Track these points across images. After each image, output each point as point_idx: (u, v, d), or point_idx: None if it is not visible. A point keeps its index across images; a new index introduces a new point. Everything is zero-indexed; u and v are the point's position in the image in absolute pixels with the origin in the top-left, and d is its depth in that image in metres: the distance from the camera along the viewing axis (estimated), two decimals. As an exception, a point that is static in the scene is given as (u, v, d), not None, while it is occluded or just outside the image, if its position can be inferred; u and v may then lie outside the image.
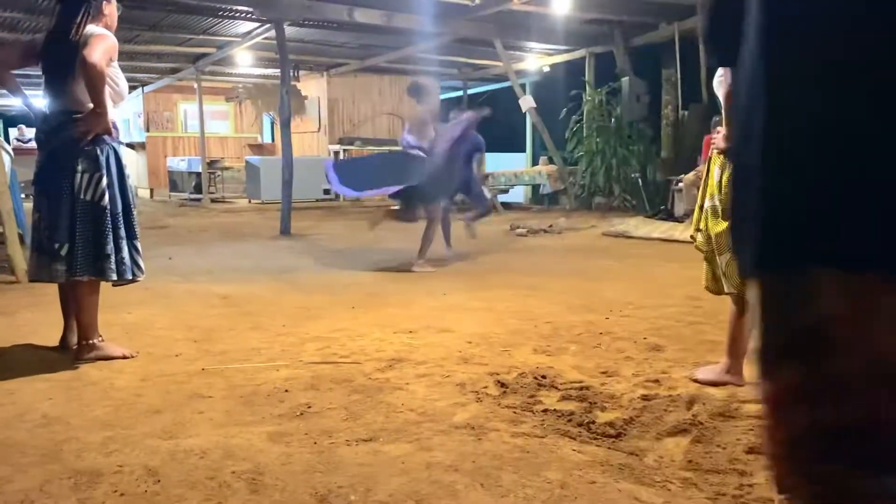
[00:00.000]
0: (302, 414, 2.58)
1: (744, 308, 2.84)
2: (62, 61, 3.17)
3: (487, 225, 9.94)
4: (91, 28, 3.18)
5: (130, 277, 3.29)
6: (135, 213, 3.36)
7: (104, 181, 3.16)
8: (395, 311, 4.37)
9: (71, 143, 3.15)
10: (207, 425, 2.48)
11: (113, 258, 3.18)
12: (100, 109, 3.11)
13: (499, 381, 2.93)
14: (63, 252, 3.16)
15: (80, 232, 3.15)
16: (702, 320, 4.01)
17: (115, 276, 3.21)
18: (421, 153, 6.17)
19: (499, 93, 17.28)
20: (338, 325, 3.98)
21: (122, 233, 3.23)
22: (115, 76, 3.27)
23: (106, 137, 3.19)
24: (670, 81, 11.40)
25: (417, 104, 6.41)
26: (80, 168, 3.14)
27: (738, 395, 2.70)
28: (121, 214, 3.23)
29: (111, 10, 3.35)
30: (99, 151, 3.17)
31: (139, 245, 3.36)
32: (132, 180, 3.40)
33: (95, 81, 3.03)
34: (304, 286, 5.34)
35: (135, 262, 3.32)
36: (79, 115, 3.16)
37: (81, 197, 3.14)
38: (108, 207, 3.18)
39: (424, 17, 10.22)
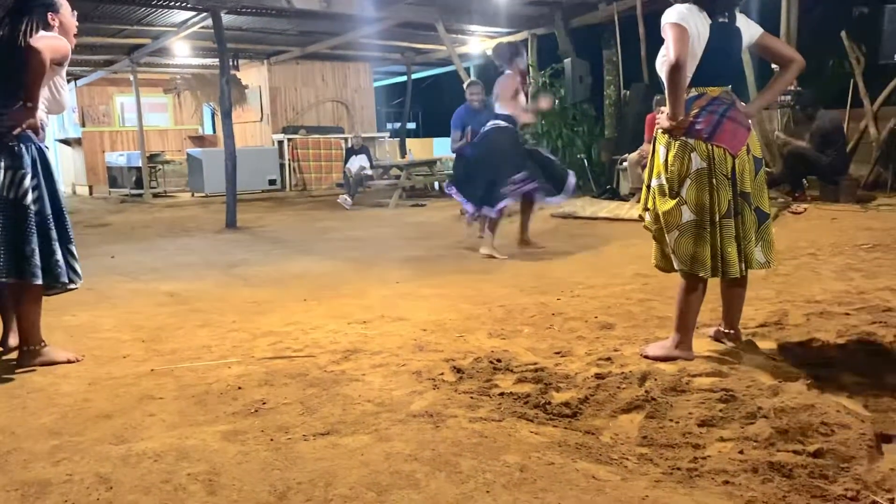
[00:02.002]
0: (256, 411, 2.55)
1: (691, 283, 2.90)
2: (3, 67, 3.04)
3: (437, 210, 9.94)
4: (41, 34, 3.07)
5: (65, 281, 3.14)
6: (68, 217, 3.21)
7: (27, 180, 3.03)
8: (347, 302, 4.34)
9: None
10: (160, 427, 2.43)
11: (34, 260, 3.02)
12: (31, 104, 3.00)
13: (455, 367, 2.94)
14: None
15: (1, 232, 3.03)
16: (650, 297, 4.08)
17: (37, 280, 3.04)
18: (510, 125, 5.86)
19: (443, 77, 17.26)
20: (290, 319, 3.93)
21: (55, 235, 3.09)
22: (60, 85, 3.18)
23: (32, 135, 3.06)
24: (611, 62, 11.52)
25: (506, 68, 5.88)
26: (2, 165, 3.02)
27: (689, 369, 2.76)
28: (51, 217, 3.09)
29: (64, 19, 3.21)
30: (24, 150, 3.04)
31: (74, 250, 3.21)
32: (61, 184, 3.25)
33: (35, 69, 2.92)
34: (254, 280, 5.26)
35: (70, 268, 3.17)
36: (5, 111, 3.04)
37: (3, 195, 3.02)
38: (33, 208, 3.04)
39: (365, 2, 10.10)
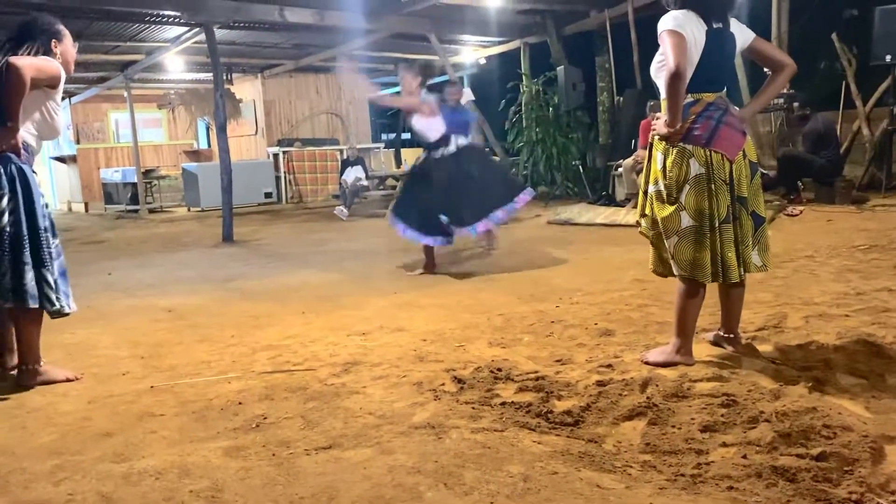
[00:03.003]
0: (258, 426, 2.54)
1: (690, 289, 2.90)
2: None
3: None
4: (44, 58, 3.09)
5: (34, 306, 3.06)
6: (48, 239, 3.13)
7: (4, 201, 3.01)
8: (346, 314, 4.33)
9: None
10: (161, 444, 2.42)
11: (5, 281, 3.00)
12: (11, 124, 2.99)
13: (455, 378, 2.93)
14: None
15: None
16: (649, 302, 4.08)
17: (8, 303, 3.04)
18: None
19: (436, 87, 17.25)
20: (289, 332, 3.92)
21: (27, 258, 3.03)
22: (53, 109, 3.17)
23: (11, 156, 3.05)
24: (604, 68, 11.57)
25: (423, 84, 5.77)
26: None
27: (690, 374, 2.75)
28: (26, 238, 3.04)
29: (64, 49, 3.23)
30: (2, 170, 3.02)
31: (48, 275, 3.10)
32: (45, 203, 3.21)
33: (13, 86, 2.92)
34: (252, 294, 5.25)
35: (43, 293, 3.09)
36: None
37: None
38: (9, 229, 3.02)
39: (357, 15, 10.15)
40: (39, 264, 3.10)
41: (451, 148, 5.69)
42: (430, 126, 5.65)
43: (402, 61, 5.79)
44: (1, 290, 3.03)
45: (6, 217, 3.03)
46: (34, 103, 3.11)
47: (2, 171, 3.03)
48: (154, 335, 4.04)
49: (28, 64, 2.96)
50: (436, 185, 5.57)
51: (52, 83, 3.11)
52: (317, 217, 11.64)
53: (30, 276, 3.05)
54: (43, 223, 3.12)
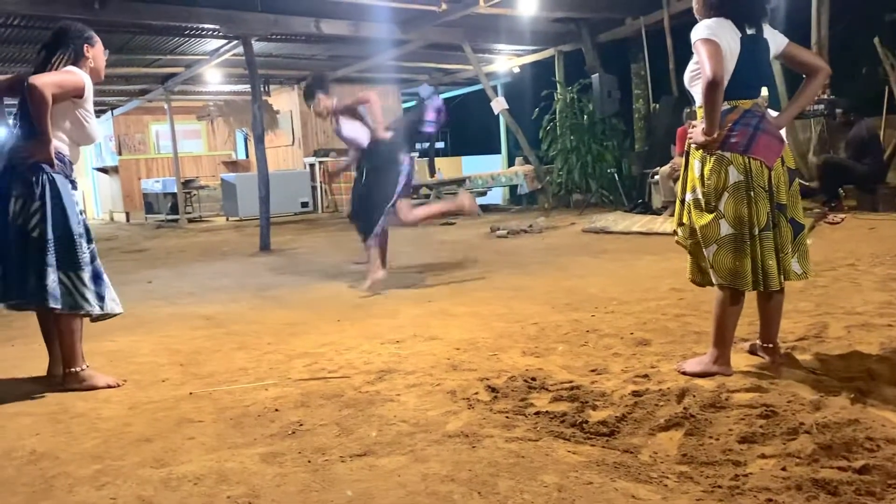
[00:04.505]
0: (294, 432, 2.57)
1: (730, 298, 2.86)
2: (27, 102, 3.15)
3: (467, 228, 9.96)
4: (68, 68, 3.19)
5: (58, 307, 3.14)
6: (82, 243, 3.22)
7: (34, 206, 3.13)
8: (380, 322, 4.36)
9: (10, 169, 3.17)
10: (199, 450, 2.46)
11: (35, 284, 3.11)
12: (42, 137, 3.09)
13: (489, 387, 2.93)
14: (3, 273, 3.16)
15: (13, 255, 3.14)
16: (686, 312, 4.03)
17: (33, 302, 3.16)
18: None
19: (471, 96, 17.33)
20: (324, 340, 3.96)
21: (50, 260, 3.13)
22: (84, 117, 3.25)
23: (44, 166, 3.15)
24: (639, 75, 11.50)
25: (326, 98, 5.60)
26: (14, 193, 3.14)
27: (727, 385, 2.71)
28: (51, 241, 3.14)
29: (95, 53, 3.33)
30: (34, 179, 3.14)
31: (84, 277, 3.20)
32: (81, 210, 3.31)
33: (36, 105, 3.01)
34: (288, 302, 5.31)
35: (72, 296, 3.18)
36: (24, 143, 3.16)
37: (15, 223, 3.14)
38: (35, 234, 3.13)
39: (391, 26, 10.24)
40: (75, 267, 3.19)
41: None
42: (357, 129, 5.52)
43: (308, 96, 5.52)
44: (26, 290, 3.14)
45: (34, 221, 3.13)
46: (63, 114, 3.20)
47: (33, 179, 3.14)
48: (193, 343, 4.11)
49: (47, 82, 3.04)
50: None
51: (76, 94, 3.19)
52: (352, 227, 11.70)
53: (52, 278, 3.14)
54: (78, 229, 3.22)
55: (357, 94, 5.69)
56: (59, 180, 3.20)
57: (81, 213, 3.30)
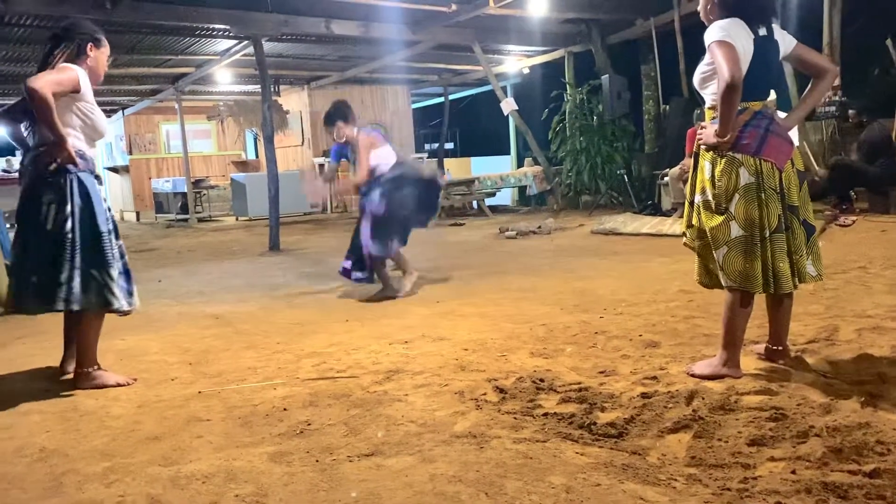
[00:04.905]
0: (302, 432, 2.57)
1: (740, 300, 2.85)
2: None
3: (476, 229, 9.96)
4: (63, 64, 3.18)
5: (77, 308, 3.17)
6: (110, 240, 3.26)
7: (67, 209, 3.14)
8: (389, 322, 4.36)
9: (37, 175, 3.18)
10: (207, 449, 2.47)
11: (65, 287, 3.13)
12: (57, 139, 3.09)
13: (497, 387, 2.93)
14: (34, 280, 3.17)
15: (44, 260, 3.15)
16: (696, 314, 4.02)
17: (61, 306, 3.15)
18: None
19: (480, 97, 17.34)
20: (333, 340, 3.96)
21: (77, 262, 3.15)
22: (87, 111, 3.24)
23: (70, 167, 3.16)
24: (650, 77, 11.47)
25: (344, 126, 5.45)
26: (45, 199, 3.14)
27: (737, 387, 2.70)
28: (79, 243, 3.16)
29: (98, 55, 3.33)
30: (62, 181, 3.15)
31: (114, 274, 3.24)
32: (108, 207, 3.33)
33: (38, 108, 3.00)
34: (297, 301, 5.32)
35: (102, 294, 3.20)
36: (43, 148, 3.16)
37: (47, 228, 3.14)
38: (69, 236, 3.14)
39: (402, 26, 10.25)
40: (105, 265, 3.22)
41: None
42: (386, 157, 5.43)
43: (328, 123, 5.38)
44: (56, 295, 3.13)
45: (68, 224, 3.14)
46: (68, 112, 3.18)
47: (61, 181, 3.15)
48: (202, 342, 4.12)
49: (44, 83, 3.00)
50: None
51: (74, 89, 3.16)
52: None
53: (81, 278, 3.15)
54: (106, 226, 3.25)
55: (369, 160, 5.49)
56: (86, 178, 3.22)
57: (108, 210, 3.32)
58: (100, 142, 3.44)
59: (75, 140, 3.21)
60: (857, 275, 4.79)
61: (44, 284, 3.15)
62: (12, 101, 3.53)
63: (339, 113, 5.57)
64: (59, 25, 3.36)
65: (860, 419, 2.26)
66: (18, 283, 3.25)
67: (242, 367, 3.51)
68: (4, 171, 17.38)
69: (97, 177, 3.32)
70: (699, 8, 2.95)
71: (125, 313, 3.36)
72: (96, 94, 3.34)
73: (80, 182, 3.19)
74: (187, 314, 5.01)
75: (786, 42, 2.90)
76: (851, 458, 2.06)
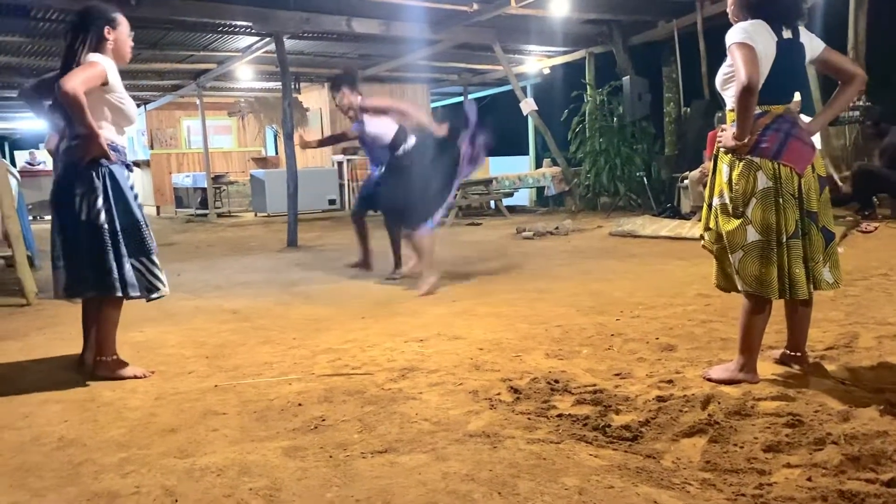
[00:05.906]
0: (316, 427, 2.58)
1: (756, 305, 2.83)
2: None
3: (493, 229, 9.94)
4: (90, 57, 3.19)
5: (136, 294, 3.27)
6: (145, 230, 3.33)
7: (100, 201, 3.18)
8: (404, 320, 4.37)
9: (71, 167, 3.22)
10: (222, 442, 2.48)
11: (115, 274, 3.19)
12: (90, 135, 3.11)
13: (512, 388, 2.92)
14: (68, 270, 3.25)
15: (80, 251, 3.21)
16: (713, 318, 3.99)
17: (119, 293, 3.21)
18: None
19: (500, 96, 17.31)
20: (348, 336, 3.98)
21: (123, 250, 3.22)
22: (117, 100, 3.27)
23: (101, 160, 3.19)
24: (671, 78, 11.40)
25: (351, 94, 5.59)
26: (77, 191, 3.18)
27: (753, 392, 2.68)
28: (120, 233, 3.22)
29: (117, 35, 3.32)
30: (94, 174, 3.19)
31: (156, 260, 3.36)
32: (136, 195, 3.38)
33: (72, 108, 3.04)
34: (314, 298, 5.34)
35: (146, 280, 3.32)
36: (76, 141, 3.19)
37: (81, 218, 3.18)
38: (106, 226, 3.19)
39: (422, 25, 10.26)
40: (147, 252, 3.32)
41: (411, 141, 5.59)
42: (384, 126, 5.49)
43: (334, 88, 5.68)
44: (111, 281, 3.19)
45: (103, 216, 3.19)
46: (99, 104, 3.20)
47: (94, 174, 3.19)
48: (219, 336, 4.15)
49: (77, 83, 3.01)
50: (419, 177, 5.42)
51: (103, 83, 3.18)
52: (379, 224, 11.74)
53: (127, 267, 3.23)
54: (141, 216, 3.32)
55: (389, 99, 5.64)
56: (117, 171, 3.26)
57: (136, 198, 3.35)
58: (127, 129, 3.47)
59: (107, 132, 3.24)
60: (878, 281, 4.74)
61: (81, 274, 3.22)
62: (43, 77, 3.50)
63: (347, 79, 5.60)
64: (71, 17, 3.36)
65: (878, 427, 2.24)
66: (69, 273, 3.28)
67: (258, 362, 3.53)
68: (28, 163, 17.63)
69: (128, 166, 3.36)
70: (728, 9, 2.93)
71: (151, 299, 3.42)
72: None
73: (112, 175, 3.24)
74: (205, 308, 5.05)
75: (813, 45, 2.86)
76: (869, 467, 2.04)
